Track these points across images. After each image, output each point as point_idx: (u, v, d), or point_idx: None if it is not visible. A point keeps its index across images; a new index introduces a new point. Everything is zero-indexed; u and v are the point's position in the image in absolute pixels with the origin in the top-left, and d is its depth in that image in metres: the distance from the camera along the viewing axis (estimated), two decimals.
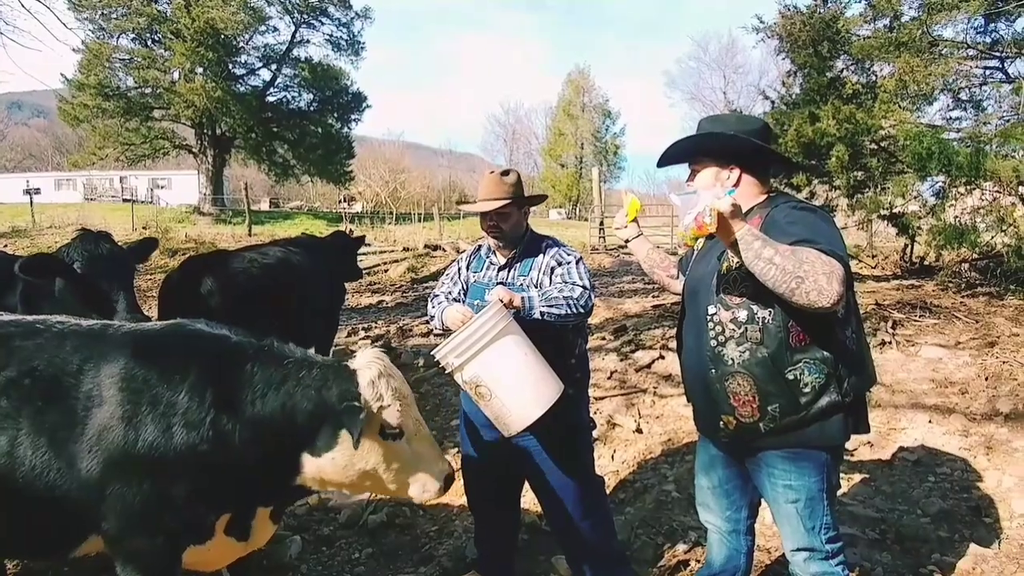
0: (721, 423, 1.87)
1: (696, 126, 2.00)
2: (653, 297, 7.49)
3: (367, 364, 1.82)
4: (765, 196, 1.90)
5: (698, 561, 2.79)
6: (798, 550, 1.90)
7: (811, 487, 1.84)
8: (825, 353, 1.74)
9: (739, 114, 1.99)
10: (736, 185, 1.87)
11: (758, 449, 1.88)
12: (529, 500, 3.30)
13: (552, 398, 2.07)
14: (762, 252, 1.57)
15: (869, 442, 3.78)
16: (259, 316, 3.72)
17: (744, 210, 1.84)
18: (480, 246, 2.62)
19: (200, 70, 26.63)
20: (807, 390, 1.74)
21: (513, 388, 2.04)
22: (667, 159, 2.04)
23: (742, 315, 1.77)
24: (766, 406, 1.77)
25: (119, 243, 3.15)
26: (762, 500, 2.13)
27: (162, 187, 39.36)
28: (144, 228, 18.26)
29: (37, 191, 22.97)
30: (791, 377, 1.74)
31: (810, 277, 1.52)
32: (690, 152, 1.97)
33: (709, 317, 1.84)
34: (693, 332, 1.94)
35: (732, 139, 1.87)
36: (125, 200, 32.65)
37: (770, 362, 1.73)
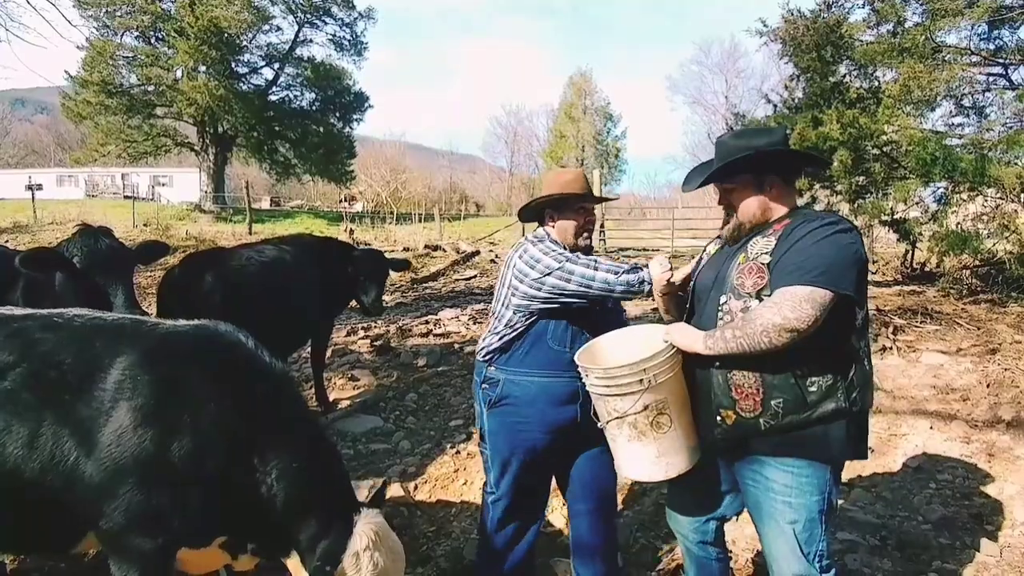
0: (719, 417, 1.82)
1: (715, 145, 1.98)
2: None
3: (360, 534, 1.83)
4: (791, 208, 1.89)
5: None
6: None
7: (811, 507, 1.79)
8: (837, 356, 1.72)
9: (758, 128, 1.99)
10: (776, 199, 1.87)
11: (756, 456, 1.84)
12: None
13: (699, 444, 1.93)
14: (730, 342, 1.70)
15: (870, 448, 3.76)
16: (255, 313, 3.71)
17: (771, 219, 1.87)
18: (547, 235, 2.41)
19: (203, 68, 26.68)
20: (813, 389, 1.71)
21: (689, 423, 1.88)
22: (703, 183, 2.00)
23: (753, 304, 1.75)
24: (769, 400, 1.73)
25: (121, 240, 3.14)
26: (736, 515, 2.11)
27: (164, 184, 39.40)
28: (145, 225, 18.26)
29: (39, 187, 22.96)
30: (799, 373, 1.71)
31: (769, 330, 1.64)
32: (727, 172, 1.91)
33: (719, 307, 1.82)
34: (706, 323, 1.89)
35: (772, 154, 1.85)
36: (127, 197, 32.69)
37: (779, 354, 1.68)
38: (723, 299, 1.82)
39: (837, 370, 1.72)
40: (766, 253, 1.76)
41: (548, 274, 2.20)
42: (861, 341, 1.76)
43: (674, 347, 1.83)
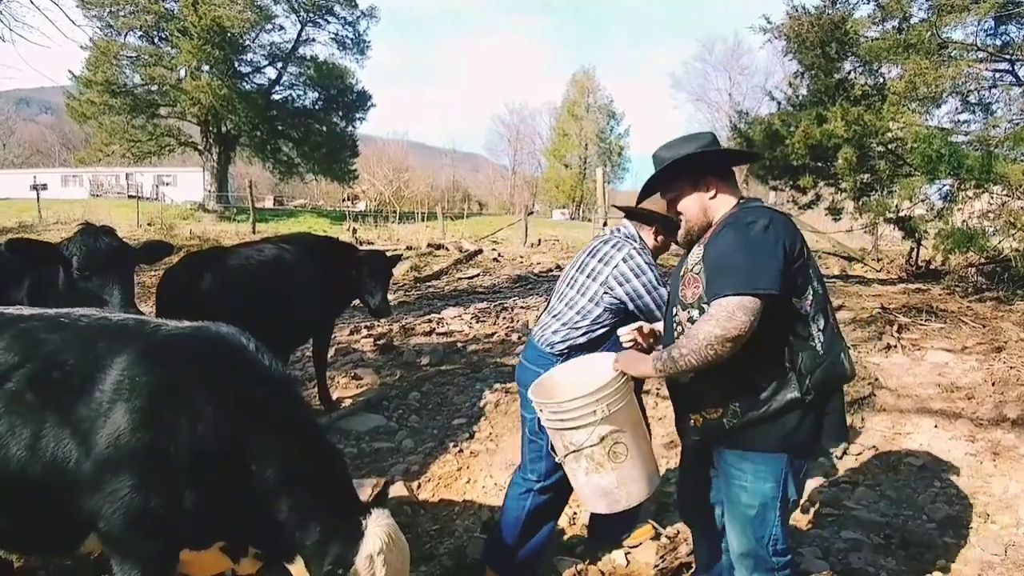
0: (691, 421, 1.92)
1: (652, 159, 2.04)
2: None
3: (373, 536, 1.78)
4: (736, 203, 1.93)
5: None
6: (744, 555, 1.91)
7: (765, 492, 1.84)
8: (785, 349, 1.77)
9: (686, 135, 2.06)
10: (715, 198, 1.92)
11: (725, 448, 1.91)
12: None
13: (657, 471, 1.97)
14: (678, 361, 1.74)
15: (874, 446, 3.75)
16: (254, 312, 3.71)
17: (715, 219, 1.92)
18: (640, 237, 2.54)
19: (206, 68, 26.73)
20: (765, 384, 1.77)
21: (647, 450, 1.90)
22: (645, 195, 2.17)
23: (695, 314, 1.83)
24: (727, 402, 1.81)
25: (124, 239, 3.14)
26: None
27: (167, 184, 39.53)
28: (149, 224, 18.31)
29: (44, 187, 23.08)
30: (749, 373, 1.78)
31: (712, 342, 1.68)
32: (665, 182, 2.01)
33: (673, 317, 1.92)
34: (666, 336, 2.01)
35: (701, 155, 1.92)
36: (131, 196, 32.74)
37: (727, 359, 1.72)
38: (675, 310, 1.92)
39: (785, 362, 1.77)
40: (698, 263, 1.84)
41: (649, 293, 2.32)
42: (811, 327, 1.79)
43: (625, 375, 1.87)
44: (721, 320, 1.67)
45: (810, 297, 1.78)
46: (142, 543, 1.75)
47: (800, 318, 1.77)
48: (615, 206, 2.58)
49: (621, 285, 2.35)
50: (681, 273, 1.91)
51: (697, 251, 1.87)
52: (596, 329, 2.40)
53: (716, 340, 1.67)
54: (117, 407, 1.72)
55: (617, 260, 2.39)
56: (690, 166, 1.92)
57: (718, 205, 1.91)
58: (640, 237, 2.51)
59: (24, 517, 1.81)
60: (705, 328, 1.70)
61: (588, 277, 2.44)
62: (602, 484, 1.89)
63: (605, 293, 2.38)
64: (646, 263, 2.38)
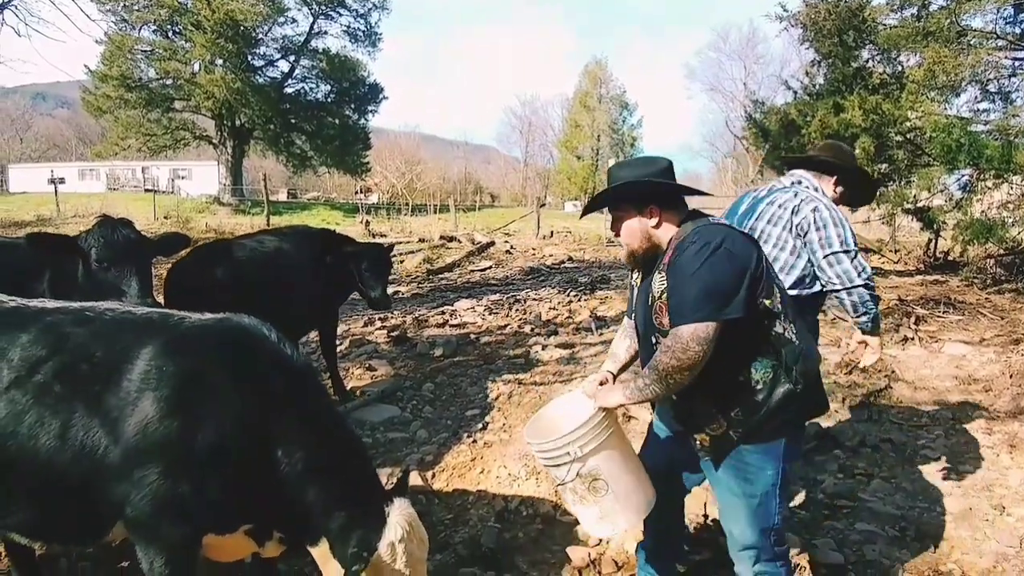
0: (697, 443, 1.96)
1: (608, 173, 2.07)
2: None
3: (395, 524, 1.83)
4: (678, 225, 1.94)
5: (701, 552, 2.79)
6: (747, 547, 1.96)
7: (766, 480, 1.90)
8: (767, 347, 1.82)
9: (645, 157, 2.11)
10: (658, 227, 1.94)
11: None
12: (544, 490, 3.32)
13: (653, 497, 2.02)
14: (643, 390, 1.83)
15: (890, 439, 3.74)
16: (259, 302, 3.77)
17: (660, 243, 1.95)
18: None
19: (220, 62, 26.94)
20: (760, 387, 1.82)
21: (631, 483, 1.96)
22: (590, 210, 2.26)
23: None
24: (729, 413, 1.85)
25: (142, 232, 3.19)
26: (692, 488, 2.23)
27: (183, 177, 39.90)
28: (165, 218, 18.54)
29: (61, 181, 23.39)
30: (742, 379, 1.82)
31: (670, 372, 1.76)
32: (610, 201, 2.05)
33: (653, 346, 1.93)
34: (645, 363, 2.02)
35: (645, 184, 1.95)
36: (147, 190, 33.14)
37: (717, 372, 1.78)
38: (654, 339, 1.93)
39: (771, 361, 1.82)
40: (663, 291, 1.86)
41: (822, 248, 2.45)
42: (785, 322, 1.85)
43: (603, 412, 1.91)
44: (676, 352, 1.74)
45: (778, 295, 1.85)
46: (168, 528, 1.79)
47: (775, 316, 1.83)
48: (787, 157, 2.64)
49: (801, 236, 2.44)
50: (649, 303, 1.93)
51: (659, 278, 1.88)
52: (813, 283, 2.49)
53: (674, 371, 1.75)
54: (145, 396, 1.77)
55: (806, 211, 2.46)
56: (636, 191, 1.96)
57: (661, 234, 1.95)
58: (821, 188, 2.59)
59: (53, 506, 1.86)
60: (663, 360, 1.77)
61: (783, 230, 2.50)
62: (588, 514, 2.00)
63: (804, 245, 2.46)
64: (831, 218, 2.42)
